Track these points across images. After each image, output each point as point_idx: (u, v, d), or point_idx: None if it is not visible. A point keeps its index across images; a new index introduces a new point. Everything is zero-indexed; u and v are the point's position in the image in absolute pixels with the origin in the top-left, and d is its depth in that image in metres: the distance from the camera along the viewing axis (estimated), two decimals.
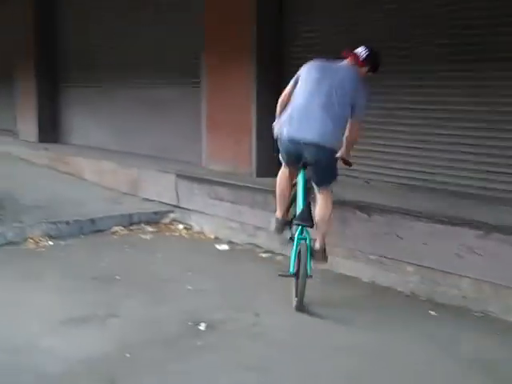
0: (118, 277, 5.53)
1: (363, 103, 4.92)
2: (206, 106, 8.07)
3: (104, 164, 9.16)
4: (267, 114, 7.35)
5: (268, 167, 7.46)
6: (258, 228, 6.58)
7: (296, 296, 4.80)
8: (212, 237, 7.01)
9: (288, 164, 5.21)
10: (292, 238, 4.97)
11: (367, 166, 6.73)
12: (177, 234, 7.22)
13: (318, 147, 4.77)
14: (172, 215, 7.59)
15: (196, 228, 7.29)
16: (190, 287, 5.31)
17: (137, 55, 9.90)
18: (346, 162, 5.11)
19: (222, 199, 7.05)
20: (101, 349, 4.04)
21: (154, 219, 7.53)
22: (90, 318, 4.55)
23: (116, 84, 10.37)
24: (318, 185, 5.03)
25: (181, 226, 7.39)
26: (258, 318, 4.65)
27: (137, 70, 9.91)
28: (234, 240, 6.79)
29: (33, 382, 3.59)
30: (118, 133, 10.38)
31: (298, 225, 4.84)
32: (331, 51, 6.84)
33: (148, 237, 6.99)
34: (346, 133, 4.96)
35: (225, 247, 6.65)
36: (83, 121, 11.29)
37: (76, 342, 4.15)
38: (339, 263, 5.76)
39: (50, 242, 6.58)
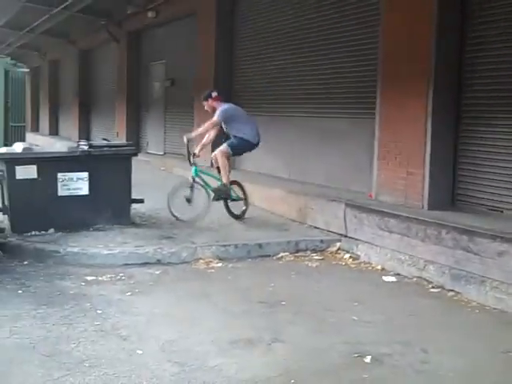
0: (283, 302, 5.59)
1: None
2: (379, 136, 8.02)
3: (274, 191, 9.36)
4: (442, 146, 7.24)
5: (441, 200, 7.29)
6: (429, 262, 6.38)
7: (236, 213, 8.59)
8: (379, 268, 6.91)
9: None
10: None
11: None
12: (343, 263, 7.19)
13: None
14: (339, 244, 7.58)
15: (363, 258, 7.22)
16: (355, 318, 5.24)
17: (308, 86, 10.10)
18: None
19: (391, 231, 6.94)
20: (265, 372, 4.09)
21: (321, 247, 7.56)
22: (255, 341, 4.63)
23: (287, 113, 10.63)
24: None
25: (347, 256, 7.35)
26: (427, 354, 4.48)
27: (308, 100, 10.10)
28: (401, 272, 6.64)
29: None
30: (287, 161, 10.59)
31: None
32: None
33: (314, 264, 7.02)
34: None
35: (392, 279, 6.52)
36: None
37: (242, 363, 4.23)
38: None
39: (219, 264, 6.82)
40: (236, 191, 8.80)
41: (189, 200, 8.46)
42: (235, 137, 8.63)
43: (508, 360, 4.47)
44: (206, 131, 8.80)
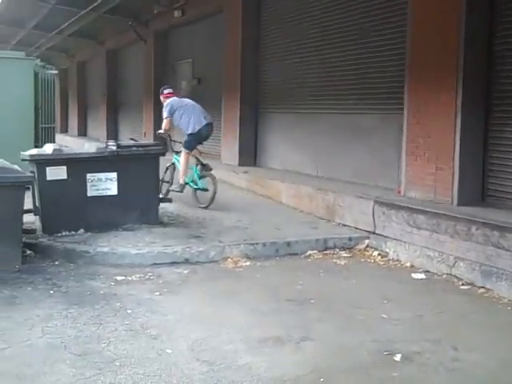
0: (312, 300, 5.60)
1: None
2: (407, 131, 7.97)
3: (301, 188, 9.36)
4: (472, 140, 7.16)
5: (471, 196, 7.23)
6: (459, 258, 6.33)
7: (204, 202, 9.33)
8: (408, 265, 6.87)
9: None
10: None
11: None
12: (371, 260, 7.17)
13: None
14: (367, 241, 7.56)
15: (391, 255, 7.19)
16: (384, 315, 5.23)
17: (335, 82, 10.07)
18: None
19: (420, 227, 6.90)
20: (295, 370, 4.10)
21: (349, 245, 7.54)
22: (284, 339, 4.64)
23: (315, 110, 10.61)
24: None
25: (376, 253, 7.32)
26: (457, 352, 4.45)
27: (335, 97, 10.07)
28: (431, 270, 6.60)
29: None
30: (315, 158, 10.58)
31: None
32: None
33: (342, 262, 7.01)
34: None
35: (421, 276, 6.48)
36: (282, 145, 11.65)
37: (271, 361, 4.25)
38: None
39: (247, 262, 6.84)
40: (204, 183, 9.57)
41: (166, 181, 9.81)
42: (184, 135, 9.79)
43: None
44: (167, 128, 9.95)
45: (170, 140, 10.23)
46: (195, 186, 9.59)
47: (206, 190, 9.43)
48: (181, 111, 9.70)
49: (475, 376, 4.09)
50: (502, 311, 5.46)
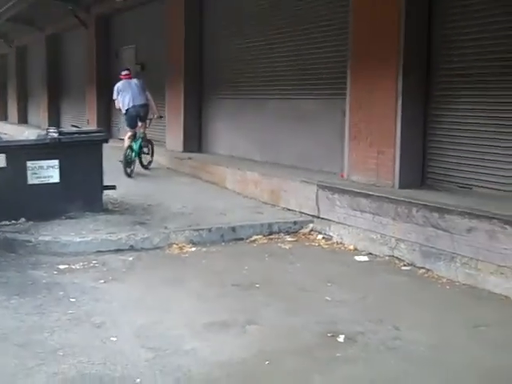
0: (257, 285, 5.63)
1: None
2: (350, 116, 8.05)
3: (246, 174, 9.37)
4: (412, 125, 7.29)
5: (411, 179, 7.36)
6: (400, 240, 6.46)
7: (130, 173, 10.85)
8: (351, 248, 6.97)
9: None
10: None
11: None
12: (316, 244, 7.24)
13: None
14: (311, 225, 7.63)
15: (335, 239, 7.28)
16: (328, 298, 5.30)
17: (280, 68, 10.09)
18: None
19: (363, 210, 7.00)
20: (240, 354, 4.12)
21: (294, 229, 7.60)
22: (230, 324, 4.66)
23: (260, 96, 10.62)
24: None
25: (320, 237, 7.41)
26: (399, 331, 4.55)
27: (280, 82, 10.09)
28: (373, 252, 6.71)
29: (174, 383, 3.71)
30: (260, 143, 10.60)
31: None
32: (485, 59, 6.69)
33: (287, 246, 7.06)
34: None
35: (364, 259, 6.59)
36: (227, 131, 11.63)
37: (217, 345, 4.26)
38: (485, 279, 5.53)
39: (193, 248, 6.83)
40: (145, 150, 11.62)
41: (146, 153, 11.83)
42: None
43: (478, 334, 4.56)
44: (119, 107, 11.45)
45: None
46: (140, 153, 11.36)
47: (147, 153, 11.60)
48: (121, 93, 11.20)
49: (415, 353, 4.18)
50: (441, 290, 5.60)
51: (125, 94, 11.14)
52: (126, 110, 11.16)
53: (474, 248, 5.69)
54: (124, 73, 11.51)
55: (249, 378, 3.79)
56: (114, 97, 11.32)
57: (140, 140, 11.30)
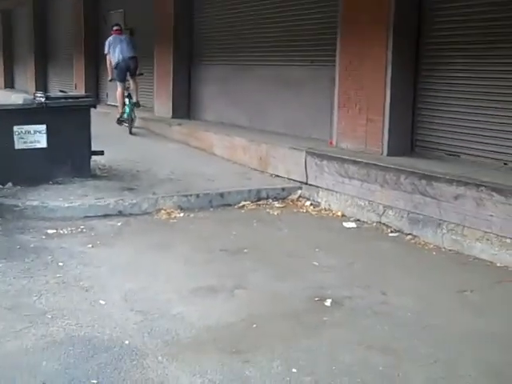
0: (245, 250, 5.65)
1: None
2: (339, 83, 8.00)
3: (235, 140, 9.34)
4: (401, 93, 7.28)
5: (400, 146, 7.37)
6: (388, 207, 6.48)
7: (130, 129, 11.38)
8: (339, 214, 6.99)
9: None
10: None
11: (506, 147, 6.48)
12: (304, 210, 7.26)
13: None
14: (300, 192, 7.64)
15: (323, 205, 7.30)
16: (316, 263, 5.33)
17: (269, 34, 9.99)
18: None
19: (351, 177, 7.00)
20: (228, 318, 4.15)
21: (282, 195, 7.61)
22: (218, 289, 4.68)
23: (249, 62, 10.53)
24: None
25: (308, 203, 7.42)
26: (386, 296, 4.59)
27: (268, 49, 10.00)
28: (361, 218, 6.74)
29: (161, 346, 3.74)
30: (249, 110, 10.54)
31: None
32: (474, 27, 6.65)
33: (275, 212, 7.07)
34: None
35: (352, 225, 6.62)
36: (216, 97, 11.55)
37: (204, 310, 4.28)
38: (471, 246, 5.58)
39: (181, 214, 6.82)
40: (133, 112, 11.76)
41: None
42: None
43: (462, 299, 4.61)
44: (110, 65, 11.85)
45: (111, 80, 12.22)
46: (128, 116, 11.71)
47: (132, 118, 11.68)
48: (112, 46, 11.65)
49: (401, 318, 4.22)
50: (427, 256, 5.64)
51: (115, 48, 11.66)
52: (116, 64, 11.64)
53: (461, 215, 5.72)
54: (115, 28, 12.05)
55: (236, 342, 3.81)
56: (106, 51, 11.83)
57: (132, 102, 11.64)
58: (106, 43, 11.93)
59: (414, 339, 3.90)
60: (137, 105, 11.72)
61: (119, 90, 11.93)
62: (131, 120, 11.68)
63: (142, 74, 12.30)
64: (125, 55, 11.63)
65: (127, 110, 11.70)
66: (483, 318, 4.27)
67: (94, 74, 16.82)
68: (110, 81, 12.35)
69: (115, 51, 11.68)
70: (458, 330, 4.07)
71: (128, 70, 11.75)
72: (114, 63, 11.74)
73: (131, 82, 11.99)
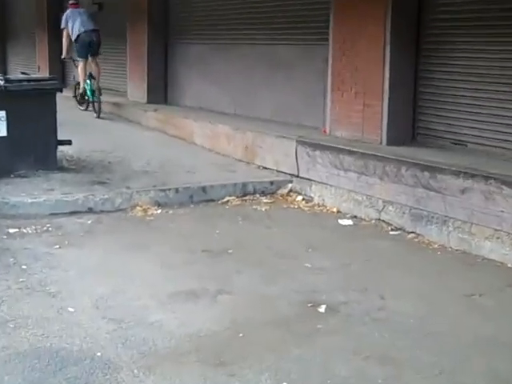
0: (230, 250, 5.66)
1: None
2: (332, 64, 8.02)
3: (217, 127, 9.34)
4: (401, 75, 7.29)
5: (401, 134, 7.40)
6: (388, 202, 6.51)
7: (96, 112, 11.63)
8: (334, 210, 7.02)
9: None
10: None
11: None
12: (295, 206, 7.28)
13: None
14: (290, 185, 7.66)
15: (316, 200, 7.32)
16: (308, 265, 5.35)
17: (254, 8, 9.98)
18: None
19: (347, 169, 7.02)
20: (211, 326, 4.16)
21: (271, 190, 7.63)
22: (199, 293, 4.69)
23: (232, 40, 10.51)
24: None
25: (300, 198, 7.44)
26: (385, 301, 4.62)
27: (254, 26, 9.99)
28: (359, 215, 6.77)
29: (137, 358, 3.73)
30: (232, 94, 10.53)
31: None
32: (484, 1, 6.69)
33: (263, 208, 7.09)
34: None
35: (348, 222, 6.65)
36: (196, 80, 11.53)
37: (184, 317, 4.29)
38: (480, 245, 5.62)
39: (158, 210, 6.82)
40: (96, 95, 11.93)
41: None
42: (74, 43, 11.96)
43: (470, 303, 4.65)
44: (66, 40, 12.12)
45: (73, 60, 12.59)
46: (90, 100, 12.04)
47: (97, 101, 11.81)
48: (70, 20, 11.83)
49: (401, 324, 4.25)
50: (431, 256, 5.68)
51: (74, 21, 11.83)
52: (77, 36, 11.79)
53: (469, 210, 5.76)
54: (71, 1, 12.18)
55: (220, 353, 3.82)
56: (63, 25, 12.04)
57: (93, 82, 11.95)
58: (63, 18, 12.08)
59: (417, 348, 3.93)
60: (99, 91, 11.89)
61: (81, 64, 12.07)
62: (99, 103, 11.84)
63: (100, 54, 12.40)
64: (87, 28, 11.78)
65: (89, 92, 12.00)
66: (492, 324, 4.31)
67: (59, 54, 16.69)
68: (63, 59, 12.93)
69: (75, 24, 11.81)
70: (464, 337, 4.10)
71: (90, 46, 11.88)
72: (74, 37, 11.87)
73: (93, 65, 12.11)
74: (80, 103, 12.49)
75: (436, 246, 5.90)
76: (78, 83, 12.50)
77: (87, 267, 5.20)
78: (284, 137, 8.03)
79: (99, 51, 12.14)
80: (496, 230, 5.54)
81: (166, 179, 7.53)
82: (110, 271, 5.13)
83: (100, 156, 8.61)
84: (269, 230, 6.35)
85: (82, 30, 11.75)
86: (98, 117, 11.76)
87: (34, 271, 5.04)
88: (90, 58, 12.03)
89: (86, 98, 12.25)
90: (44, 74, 16.23)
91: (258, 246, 5.84)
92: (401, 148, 7.09)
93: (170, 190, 7.15)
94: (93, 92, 11.92)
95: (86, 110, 12.37)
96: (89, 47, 11.89)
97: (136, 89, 12.67)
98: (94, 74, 12.05)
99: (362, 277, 5.13)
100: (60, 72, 16.33)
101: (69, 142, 7.99)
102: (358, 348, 3.91)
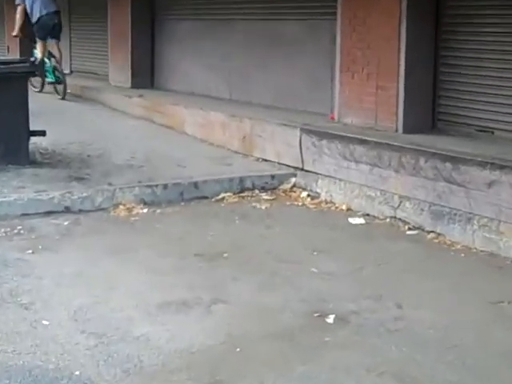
0: (225, 254, 5.67)
1: None
2: (342, 42, 8.03)
3: (211, 115, 9.34)
4: (421, 53, 7.28)
5: (419, 121, 7.40)
6: (404, 198, 6.52)
7: (60, 93, 12.33)
8: (344, 208, 7.03)
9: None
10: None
11: None
12: (299, 203, 7.29)
13: None
14: (294, 180, 7.68)
15: (323, 196, 7.33)
16: (314, 270, 5.36)
17: None
18: None
19: (358, 161, 7.03)
20: (204, 340, 4.15)
21: (271, 185, 7.64)
22: (191, 303, 4.69)
23: (227, 16, 10.51)
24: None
25: (304, 194, 7.46)
26: (401, 310, 4.63)
27: None
28: (371, 212, 6.78)
29: (121, 376, 3.73)
30: (228, 77, 10.54)
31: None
32: None
33: (263, 206, 7.10)
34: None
35: (360, 221, 6.66)
36: (186, 62, 11.53)
37: (174, 330, 4.29)
38: (509, 245, 5.62)
39: (144, 210, 6.84)
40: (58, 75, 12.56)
41: None
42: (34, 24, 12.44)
43: (498, 312, 4.66)
44: (21, 18, 12.75)
45: (30, 39, 13.13)
46: (50, 80, 12.60)
47: (60, 82, 12.39)
48: (29, 1, 12.26)
49: (420, 336, 4.25)
50: (454, 259, 5.69)
51: (34, 1, 12.32)
52: (39, 19, 12.28)
53: (496, 207, 5.76)
54: None
55: (215, 370, 3.82)
56: (18, 1, 12.70)
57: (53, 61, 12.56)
58: None
59: (438, 363, 3.93)
60: (62, 78, 12.43)
61: (41, 42, 12.64)
62: (64, 83, 12.38)
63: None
64: (49, 10, 12.28)
65: (49, 73, 12.59)
66: None
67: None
68: (15, 36, 13.43)
69: (35, 4, 12.25)
70: (491, 350, 4.11)
71: (54, 29, 12.35)
72: (34, 19, 12.34)
73: (55, 48, 12.62)
74: (33, 85, 12.56)
75: (459, 246, 5.91)
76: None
77: (64, 274, 5.19)
78: (286, 125, 8.04)
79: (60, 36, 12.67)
80: None
81: (152, 174, 7.54)
82: (89, 279, 5.13)
83: (78, 148, 8.61)
84: (269, 231, 6.36)
85: (44, 12, 12.21)
86: (63, 98, 12.28)
87: (3, 280, 5.04)
88: (50, 41, 12.49)
89: (49, 80, 12.74)
90: (14, 55, 16.25)
91: (258, 249, 5.85)
92: (419, 136, 7.10)
93: (157, 186, 7.16)
94: (53, 72, 12.45)
95: (40, 91, 12.84)
96: (52, 30, 12.37)
97: (118, 72, 12.68)
98: (55, 54, 12.63)
99: (375, 283, 5.14)
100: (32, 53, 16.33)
101: (42, 133, 7.99)
102: (372, 364, 3.91)
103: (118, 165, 7.95)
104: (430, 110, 7.56)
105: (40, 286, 4.96)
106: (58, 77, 12.49)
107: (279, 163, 7.99)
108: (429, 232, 6.23)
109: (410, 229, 6.38)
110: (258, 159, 8.30)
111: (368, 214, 6.80)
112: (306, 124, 7.88)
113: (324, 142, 7.45)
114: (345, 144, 7.22)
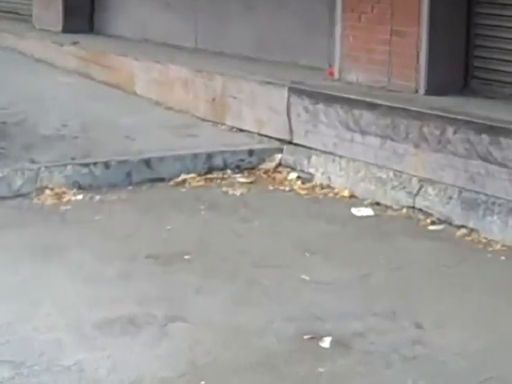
0: (187, 256, 5.69)
1: None
2: None
3: (170, 70, 9.33)
4: None
5: (447, 78, 7.40)
6: (426, 181, 6.53)
7: None
8: (346, 194, 7.06)
9: None
10: None
11: None
12: (286, 188, 7.32)
13: None
14: (279, 157, 7.68)
15: (319, 179, 7.35)
16: (305, 277, 5.37)
17: None
18: None
19: (365, 132, 7.04)
20: (157, 371, 4.15)
21: (249, 163, 7.67)
22: (141, 322, 4.69)
23: None
24: None
25: (293, 176, 7.48)
26: (421, 330, 4.64)
27: None
28: (382, 201, 6.81)
29: None
30: (193, 19, 10.52)
31: None
32: None
33: (238, 192, 7.12)
34: None
35: (367, 212, 6.69)
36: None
37: (118, 357, 4.28)
38: None
39: (79, 196, 6.85)
40: None
41: None
42: None
43: None
44: None
45: None
46: None
47: None
48: None
49: (445, 366, 4.26)
50: (492, 263, 5.71)
51: None
52: None
53: None
54: None
55: None
56: None
57: None
58: None
59: None
60: None
61: None
62: None
63: None
64: None
65: None
66: None
67: None
68: None
69: None
70: None
71: None
72: None
73: None
74: None
75: (498, 246, 5.94)
76: None
77: None
78: (270, 83, 8.04)
79: None
80: None
81: (90, 148, 7.53)
82: (5, 289, 5.12)
83: None
84: (246, 225, 6.38)
85: None
86: None
87: None
88: None
89: None
90: None
91: (230, 250, 5.86)
92: (447, 99, 7.12)
93: (96, 164, 7.17)
94: None
95: None
96: None
97: (46, 11, 12.64)
98: None
99: (387, 294, 5.15)
100: None
101: None
102: None
103: (44, 135, 7.94)
104: (461, 63, 7.57)
105: None
106: None
107: (260, 134, 8.00)
108: (458, 227, 6.26)
109: (433, 223, 6.42)
110: (231, 129, 8.31)
111: (378, 203, 6.83)
112: (296, 82, 7.89)
113: (320, 106, 7.46)
114: (348, 109, 7.23)
